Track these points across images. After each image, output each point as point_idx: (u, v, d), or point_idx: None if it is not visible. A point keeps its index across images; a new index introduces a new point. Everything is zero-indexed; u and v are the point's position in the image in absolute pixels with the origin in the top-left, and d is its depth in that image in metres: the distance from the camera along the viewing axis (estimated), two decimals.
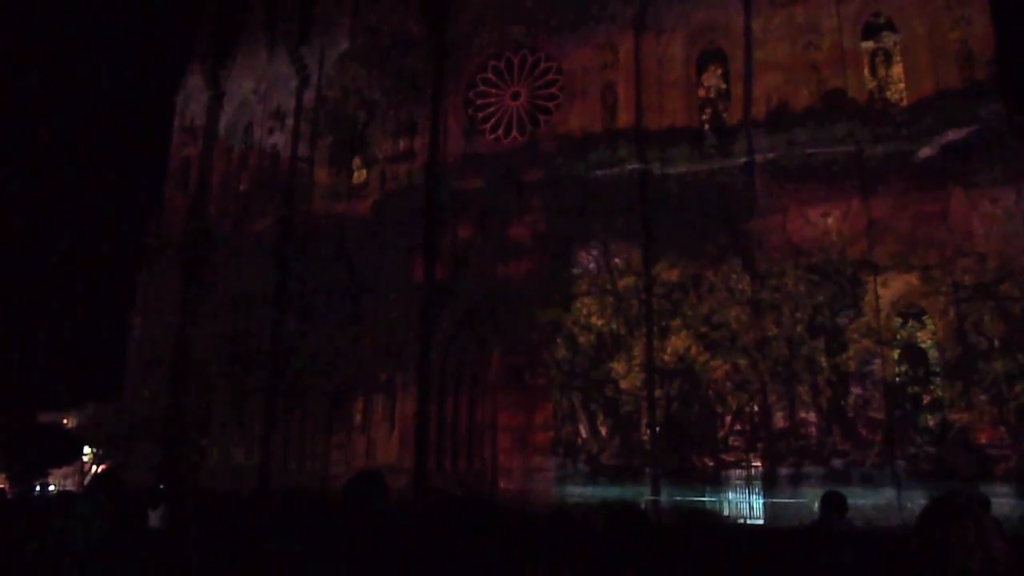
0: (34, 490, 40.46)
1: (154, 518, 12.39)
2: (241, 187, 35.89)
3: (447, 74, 32.16)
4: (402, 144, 31.68)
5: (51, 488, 48.40)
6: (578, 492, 24.85)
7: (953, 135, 23.34)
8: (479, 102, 31.78)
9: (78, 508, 6.20)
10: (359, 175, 33.60)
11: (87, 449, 49.82)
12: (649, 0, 28.78)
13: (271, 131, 35.33)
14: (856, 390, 22.93)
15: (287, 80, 35.61)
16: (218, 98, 37.80)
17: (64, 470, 53.64)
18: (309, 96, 34.94)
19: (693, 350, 25.71)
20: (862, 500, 19.99)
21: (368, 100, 33.60)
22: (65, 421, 59.92)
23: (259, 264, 33.25)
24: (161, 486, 22.36)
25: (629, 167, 26.98)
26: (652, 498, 24.08)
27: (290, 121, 34.94)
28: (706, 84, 28.30)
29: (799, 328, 23.82)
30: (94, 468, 49.64)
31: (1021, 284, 21.84)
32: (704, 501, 24.90)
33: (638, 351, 25.53)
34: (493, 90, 31.74)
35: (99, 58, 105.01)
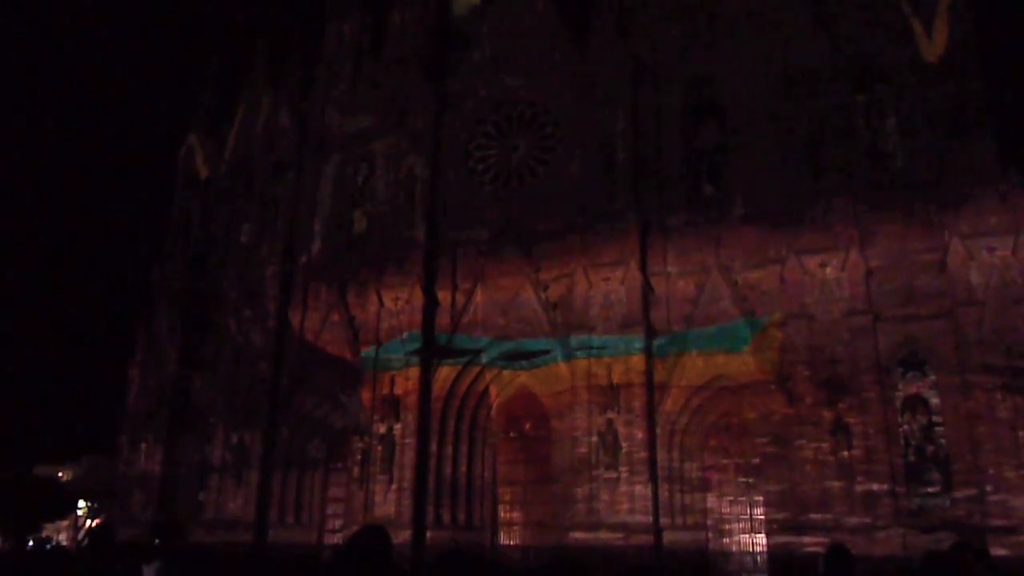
0: (28, 544, 39.85)
1: (148, 573, 12.20)
2: (242, 238, 36.01)
3: (447, 127, 32.52)
4: (402, 196, 31.95)
5: (47, 546, 47.66)
6: (579, 537, 24.59)
7: (949, 185, 23.55)
8: (478, 154, 32.09)
9: (74, 564, 6.13)
10: (359, 226, 33.73)
11: (81, 503, 49.32)
12: (645, 53, 29.25)
13: (272, 183, 35.64)
14: (858, 440, 22.72)
15: (288, 133, 36.07)
16: (220, 149, 38.22)
17: (58, 524, 52.95)
18: (310, 148, 35.27)
19: (693, 401, 25.70)
20: (866, 551, 19.73)
21: (369, 152, 33.96)
22: (60, 474, 59.44)
23: (259, 315, 33.29)
24: (156, 540, 22.06)
25: (627, 218, 27.13)
26: (654, 546, 23.74)
27: (291, 174, 35.24)
28: (703, 135, 28.53)
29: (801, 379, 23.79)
30: (88, 522, 49.06)
31: (1021, 332, 21.83)
32: (707, 550, 24.64)
33: (639, 404, 25.42)
34: (492, 142, 32.06)
35: (104, 111, 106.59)
